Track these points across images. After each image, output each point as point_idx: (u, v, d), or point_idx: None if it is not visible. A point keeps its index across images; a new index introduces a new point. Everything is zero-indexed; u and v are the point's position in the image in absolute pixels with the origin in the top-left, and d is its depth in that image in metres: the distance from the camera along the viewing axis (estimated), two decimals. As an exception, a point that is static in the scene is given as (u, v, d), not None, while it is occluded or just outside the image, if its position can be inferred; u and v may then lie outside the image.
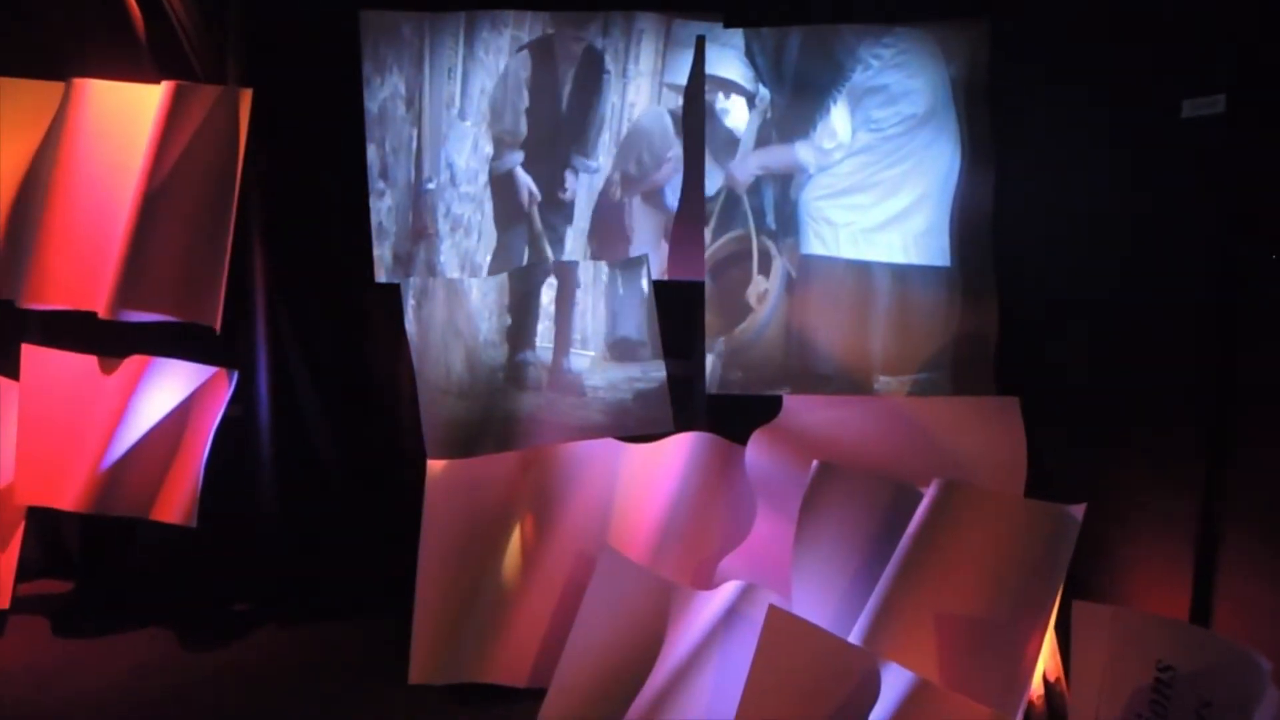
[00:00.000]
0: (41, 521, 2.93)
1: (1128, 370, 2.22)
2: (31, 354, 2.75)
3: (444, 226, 2.67)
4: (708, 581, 2.49)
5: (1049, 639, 2.10)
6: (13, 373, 2.76)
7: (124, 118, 2.72)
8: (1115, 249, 2.29)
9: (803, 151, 2.61)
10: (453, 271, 2.66)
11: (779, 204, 2.60)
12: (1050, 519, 2.04)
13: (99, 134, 2.73)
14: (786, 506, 2.40)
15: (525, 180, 2.66)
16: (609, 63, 2.64)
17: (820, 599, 2.20)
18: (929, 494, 2.14)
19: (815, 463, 2.28)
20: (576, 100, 2.65)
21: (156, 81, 2.69)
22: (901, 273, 2.57)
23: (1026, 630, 1.98)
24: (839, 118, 2.60)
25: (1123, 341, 2.25)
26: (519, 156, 2.65)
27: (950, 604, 2.03)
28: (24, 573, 2.88)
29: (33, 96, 2.74)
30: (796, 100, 2.60)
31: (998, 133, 2.56)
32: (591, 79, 2.64)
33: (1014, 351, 2.52)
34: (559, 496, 2.57)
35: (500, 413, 2.54)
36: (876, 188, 2.58)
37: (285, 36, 2.78)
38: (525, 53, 2.61)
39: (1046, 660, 2.12)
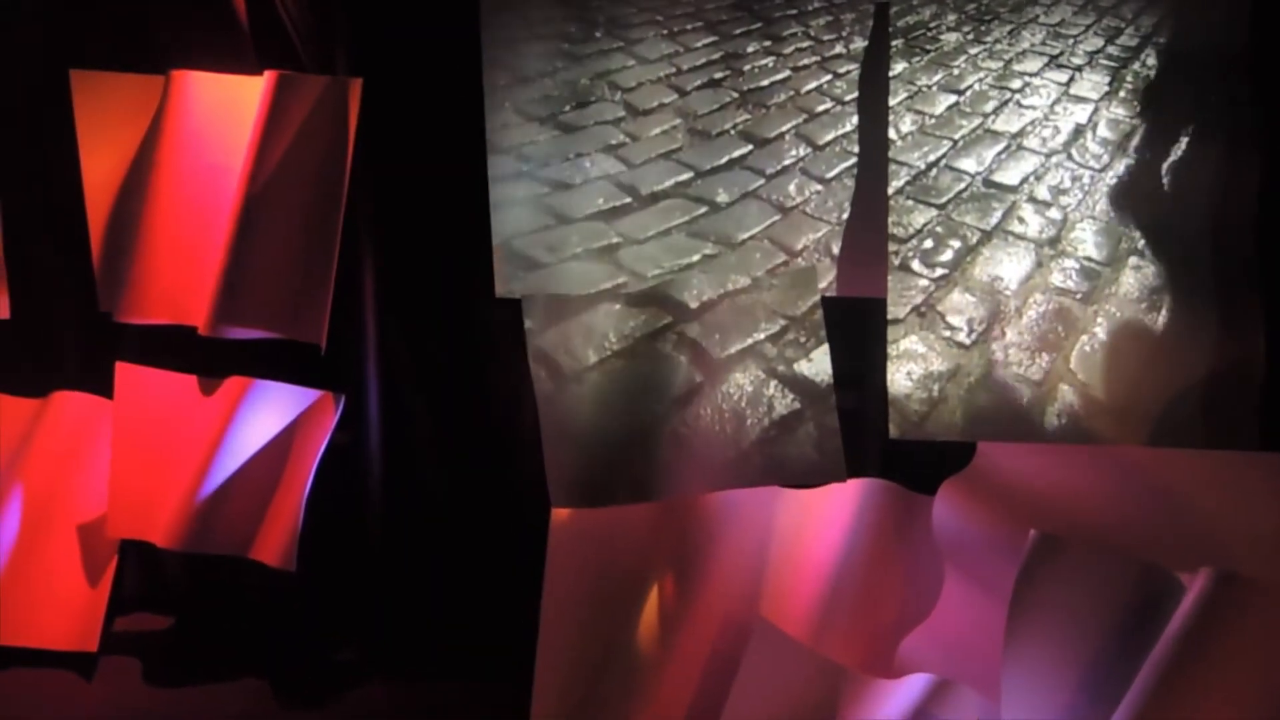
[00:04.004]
0: (143, 548, 2.74)
1: None
2: (127, 373, 2.55)
3: (574, 235, 2.35)
4: (883, 662, 2.12)
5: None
6: (109, 392, 2.56)
7: (226, 113, 2.50)
8: None
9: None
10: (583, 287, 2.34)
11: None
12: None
13: (200, 132, 2.51)
14: (984, 576, 2.04)
15: None
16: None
17: (1040, 709, 1.80)
18: (1196, 586, 1.69)
19: (1033, 533, 1.86)
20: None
21: (259, 73, 2.45)
22: (1133, 291, 2.15)
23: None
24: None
25: None
26: None
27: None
28: (122, 604, 2.70)
29: (132, 92, 2.53)
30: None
31: (1263, 116, 2.09)
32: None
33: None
34: (704, 552, 2.24)
35: (636, 454, 2.22)
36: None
37: (399, 21, 2.53)
38: None
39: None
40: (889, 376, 2.18)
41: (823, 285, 2.25)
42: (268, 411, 2.51)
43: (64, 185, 2.55)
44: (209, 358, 2.56)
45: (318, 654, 2.66)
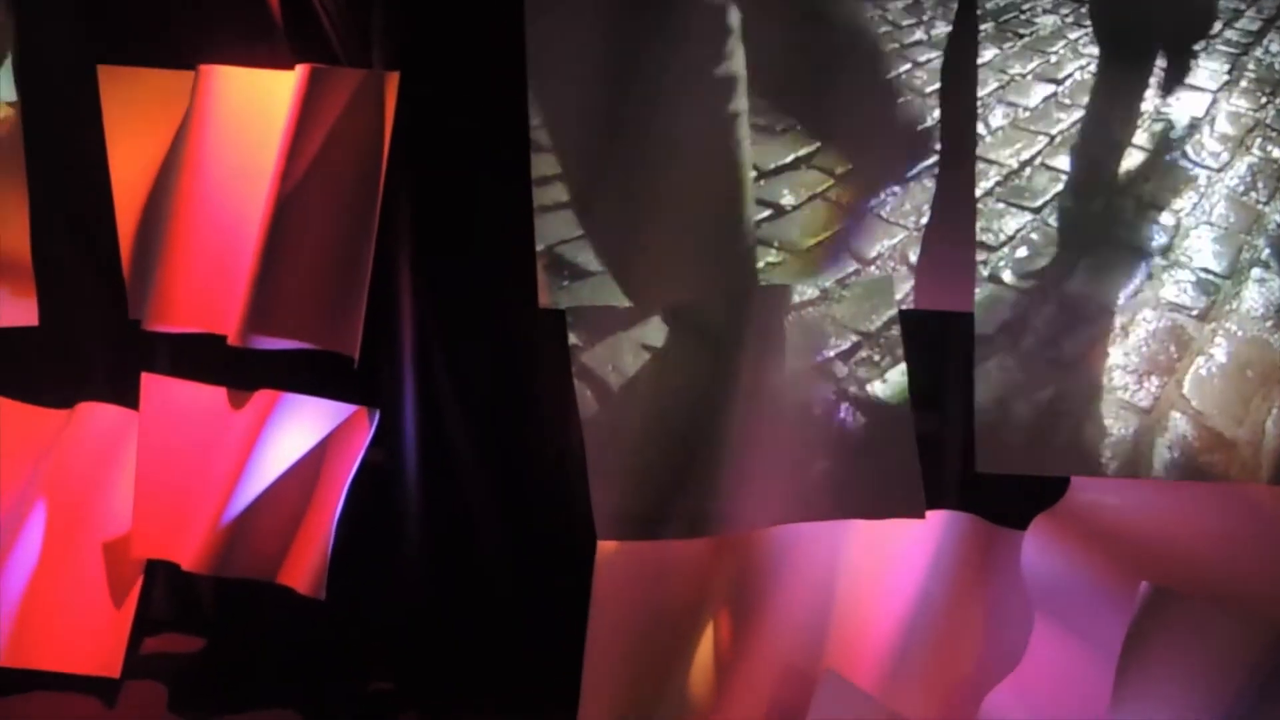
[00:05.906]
0: (170, 567, 2.65)
1: None
2: (153, 384, 2.47)
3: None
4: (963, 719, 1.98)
5: None
6: (137, 404, 2.49)
7: (257, 109, 2.41)
8: None
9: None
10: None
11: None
12: None
13: (230, 130, 2.43)
14: (1079, 625, 1.88)
15: None
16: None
17: (1152, 790, 1.60)
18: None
19: (1145, 586, 1.67)
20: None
21: (291, 67, 2.35)
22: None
23: None
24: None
25: None
26: None
27: None
28: (151, 625, 2.63)
29: (161, 88, 2.46)
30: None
31: None
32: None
33: None
34: (763, 593, 2.12)
35: (690, 484, 2.08)
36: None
37: (438, 12, 2.45)
38: None
39: None
40: (975, 400, 2.00)
41: (899, 297, 2.09)
42: (298, 427, 2.42)
43: (93, 186, 2.48)
44: (238, 369, 2.48)
45: (351, 685, 2.58)
